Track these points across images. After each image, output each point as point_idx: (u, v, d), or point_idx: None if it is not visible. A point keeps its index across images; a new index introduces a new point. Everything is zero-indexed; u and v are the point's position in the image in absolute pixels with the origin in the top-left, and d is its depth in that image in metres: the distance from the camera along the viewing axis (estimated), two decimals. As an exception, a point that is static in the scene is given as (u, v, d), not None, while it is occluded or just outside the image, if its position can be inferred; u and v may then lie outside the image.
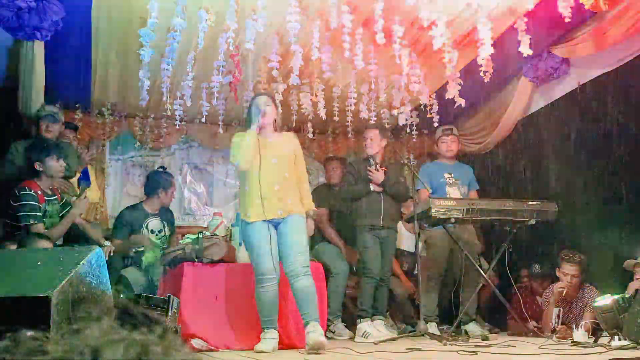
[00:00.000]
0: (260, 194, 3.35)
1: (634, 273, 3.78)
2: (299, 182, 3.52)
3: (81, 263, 2.06)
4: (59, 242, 3.89)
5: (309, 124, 5.68)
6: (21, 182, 3.81)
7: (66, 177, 4.31)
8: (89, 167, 5.22)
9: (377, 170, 4.44)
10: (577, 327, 3.69)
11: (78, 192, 4.14)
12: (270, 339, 3.30)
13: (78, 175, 4.81)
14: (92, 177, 5.21)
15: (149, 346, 0.78)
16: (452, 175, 4.90)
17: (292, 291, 3.36)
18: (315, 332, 3.22)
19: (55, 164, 3.83)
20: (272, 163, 3.40)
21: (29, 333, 0.80)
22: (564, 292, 4.21)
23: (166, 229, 4.55)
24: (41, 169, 3.80)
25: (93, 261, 2.14)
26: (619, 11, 3.91)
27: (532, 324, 4.39)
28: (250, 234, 3.40)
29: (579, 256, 4.16)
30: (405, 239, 5.29)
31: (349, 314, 4.66)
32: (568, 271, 4.18)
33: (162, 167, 5.01)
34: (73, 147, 4.68)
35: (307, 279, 3.32)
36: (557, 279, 4.31)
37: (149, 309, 2.52)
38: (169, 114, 4.79)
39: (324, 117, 5.06)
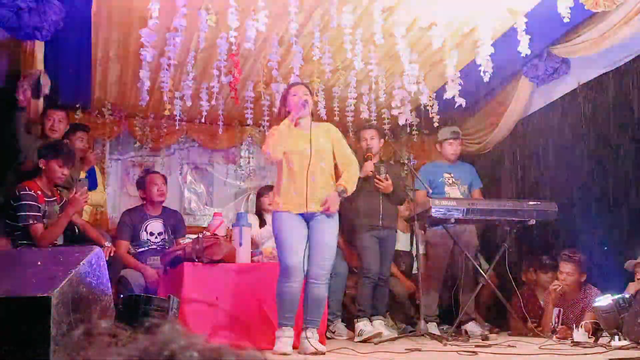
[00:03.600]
0: (296, 185, 3.29)
1: (635, 273, 3.78)
2: (344, 166, 3.43)
3: (81, 263, 2.06)
4: (59, 242, 3.88)
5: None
6: (21, 181, 3.80)
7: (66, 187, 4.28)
8: (96, 168, 5.19)
9: (387, 180, 4.41)
10: (577, 327, 3.69)
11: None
12: (288, 337, 3.22)
13: (83, 175, 4.79)
14: (99, 180, 5.17)
15: (222, 352, 0.77)
16: (452, 175, 4.90)
17: (306, 292, 3.29)
18: (314, 339, 3.20)
19: (57, 169, 3.80)
20: (308, 154, 3.30)
21: (104, 324, 0.80)
22: (559, 288, 4.21)
23: (168, 232, 4.53)
24: (44, 168, 3.80)
25: (93, 261, 2.15)
26: (619, 11, 3.91)
27: (532, 323, 4.38)
28: (281, 225, 3.30)
29: (577, 255, 4.17)
30: (401, 239, 5.28)
31: (349, 314, 4.66)
32: (563, 269, 4.20)
33: (145, 169, 5.01)
34: (78, 161, 4.61)
35: (325, 288, 3.29)
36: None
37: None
38: (169, 114, 4.79)
39: (324, 117, 5.07)
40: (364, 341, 4.06)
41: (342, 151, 3.48)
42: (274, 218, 3.36)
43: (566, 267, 4.18)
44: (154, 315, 2.52)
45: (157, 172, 4.78)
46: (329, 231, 3.30)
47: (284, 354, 3.13)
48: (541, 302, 4.61)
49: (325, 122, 3.61)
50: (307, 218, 3.32)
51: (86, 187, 3.90)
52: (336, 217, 3.38)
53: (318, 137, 3.39)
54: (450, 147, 4.94)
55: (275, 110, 4.60)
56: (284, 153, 3.36)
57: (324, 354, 3.15)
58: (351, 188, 3.40)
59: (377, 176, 4.41)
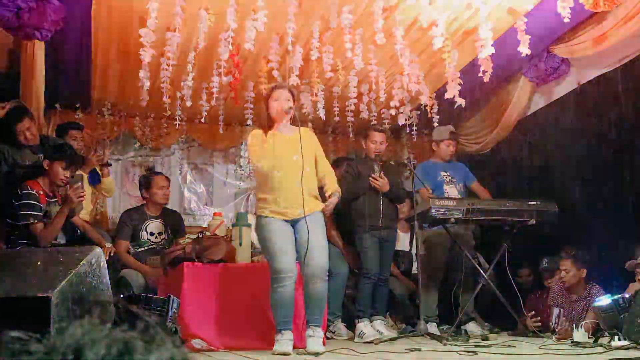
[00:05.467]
0: (282, 192, 3.26)
1: (636, 274, 3.78)
2: (323, 176, 3.44)
3: (81, 263, 2.06)
4: (59, 242, 3.88)
5: (309, 124, 5.69)
6: (24, 180, 3.80)
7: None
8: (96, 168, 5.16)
9: (382, 178, 4.41)
10: (577, 327, 3.69)
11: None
12: (288, 340, 3.21)
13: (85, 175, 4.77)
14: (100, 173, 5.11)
15: (131, 343, 0.78)
16: (448, 174, 4.90)
17: (305, 292, 3.29)
18: (314, 337, 3.20)
19: (60, 171, 3.79)
20: (293, 160, 3.29)
21: (13, 334, 0.80)
22: (559, 282, 4.22)
23: (168, 232, 4.53)
24: (47, 169, 3.79)
25: (93, 261, 2.14)
26: (619, 11, 3.91)
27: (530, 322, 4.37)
28: (266, 230, 3.28)
29: (573, 251, 4.18)
30: (400, 239, 5.28)
31: (349, 314, 4.66)
32: (562, 266, 4.21)
33: (148, 169, 4.97)
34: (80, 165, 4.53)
35: (324, 284, 3.26)
36: None
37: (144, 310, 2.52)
38: (169, 114, 4.78)
39: (324, 117, 5.07)
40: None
41: (323, 159, 3.51)
42: (259, 224, 3.33)
43: (565, 264, 4.19)
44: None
45: (162, 174, 4.72)
46: (318, 229, 3.29)
47: (284, 353, 3.13)
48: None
49: (302, 127, 3.56)
50: (293, 222, 3.32)
51: (80, 183, 3.84)
52: (322, 215, 3.39)
53: (301, 142, 3.35)
54: (448, 147, 4.94)
55: None
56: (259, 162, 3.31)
57: (322, 353, 3.15)
58: (337, 187, 3.48)
59: (372, 175, 4.40)
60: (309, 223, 3.25)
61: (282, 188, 3.28)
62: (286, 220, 3.30)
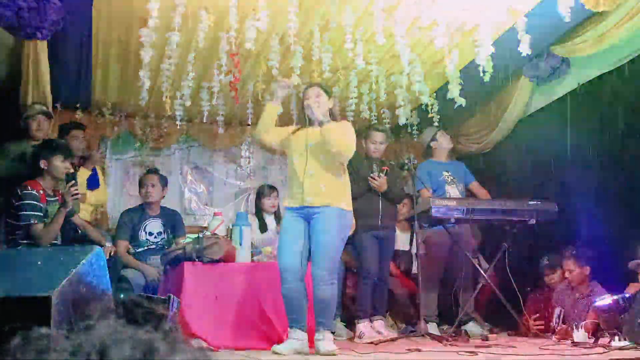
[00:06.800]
0: (297, 180, 3.31)
1: (638, 273, 3.77)
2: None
3: (81, 263, 2.06)
4: (59, 242, 3.87)
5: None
6: (24, 181, 3.79)
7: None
8: (97, 167, 5.16)
9: (380, 177, 4.41)
10: (577, 327, 3.69)
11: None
12: (293, 339, 3.21)
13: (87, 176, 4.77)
14: (101, 178, 5.14)
15: (154, 344, 0.79)
16: (450, 174, 4.90)
17: (313, 295, 3.27)
18: (325, 340, 3.19)
19: (60, 165, 3.79)
20: (308, 147, 3.32)
21: (41, 330, 0.81)
22: (565, 281, 4.23)
23: (167, 232, 4.53)
24: (46, 167, 3.79)
25: (93, 261, 2.15)
26: (619, 11, 3.91)
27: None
28: (282, 224, 3.36)
29: (573, 249, 4.18)
30: (400, 239, 5.28)
31: (349, 314, 4.66)
32: (566, 267, 4.21)
33: (149, 169, 4.97)
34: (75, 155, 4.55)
35: (332, 288, 3.23)
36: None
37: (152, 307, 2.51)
38: (169, 114, 4.78)
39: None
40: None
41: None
42: (283, 216, 3.45)
43: (568, 265, 4.19)
44: (154, 315, 2.52)
45: (152, 173, 4.68)
46: (328, 229, 3.23)
47: (276, 353, 3.14)
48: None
49: (344, 121, 3.53)
50: (308, 216, 3.29)
51: (74, 181, 3.81)
52: (338, 213, 3.28)
53: (325, 131, 3.28)
54: (445, 136, 4.95)
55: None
56: (285, 151, 3.45)
57: (334, 355, 3.15)
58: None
59: (371, 174, 4.40)
60: (321, 221, 3.23)
61: (297, 175, 3.33)
62: (299, 213, 3.28)
